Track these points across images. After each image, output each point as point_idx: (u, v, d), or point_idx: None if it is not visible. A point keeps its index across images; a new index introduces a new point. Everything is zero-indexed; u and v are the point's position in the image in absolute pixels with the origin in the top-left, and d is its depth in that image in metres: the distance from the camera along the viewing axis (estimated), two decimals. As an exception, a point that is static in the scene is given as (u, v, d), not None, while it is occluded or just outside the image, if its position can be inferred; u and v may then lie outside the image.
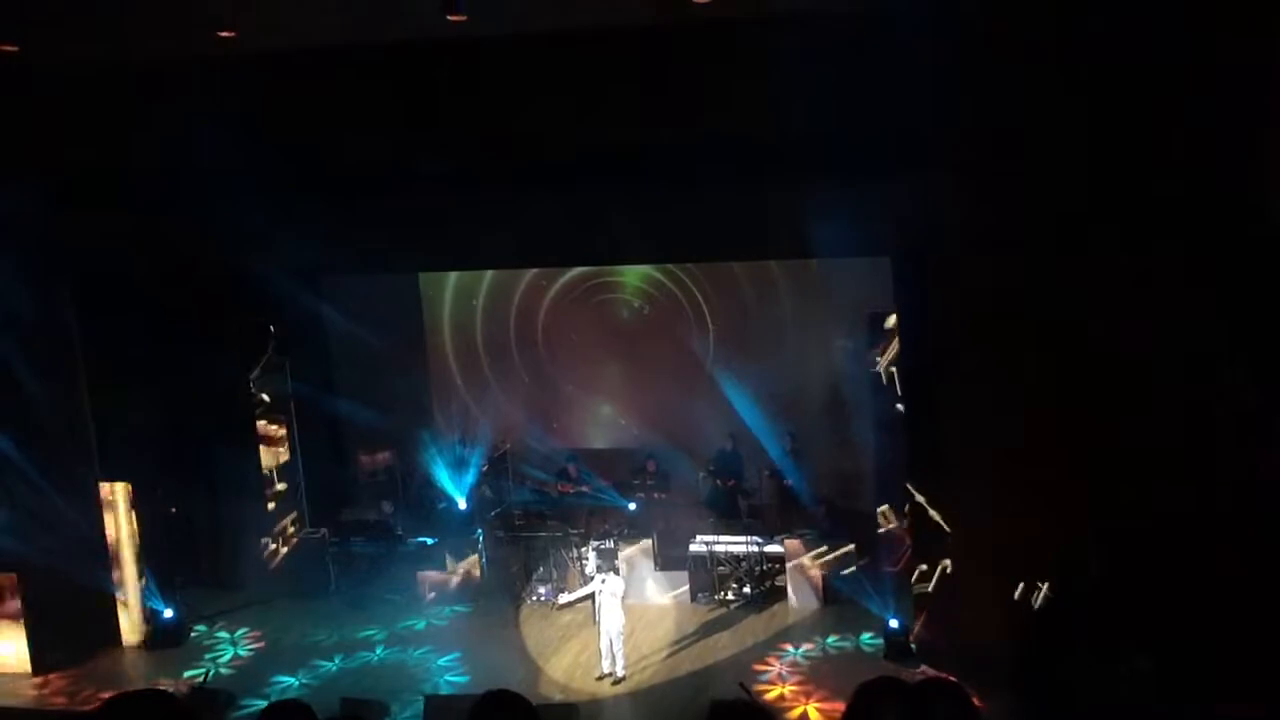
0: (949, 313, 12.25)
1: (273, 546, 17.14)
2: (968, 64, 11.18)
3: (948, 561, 13.05)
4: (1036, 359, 11.70)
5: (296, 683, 14.12)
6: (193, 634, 15.55)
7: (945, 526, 13.02)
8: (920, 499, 13.25)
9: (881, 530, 14.45)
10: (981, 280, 11.85)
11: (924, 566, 13.33)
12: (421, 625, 15.62)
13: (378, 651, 14.93)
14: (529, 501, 17.78)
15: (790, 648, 14.27)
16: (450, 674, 14.15)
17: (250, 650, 15.13)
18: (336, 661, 14.68)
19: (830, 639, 14.44)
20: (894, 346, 13.95)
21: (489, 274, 19.24)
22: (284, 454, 17.77)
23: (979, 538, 12.38)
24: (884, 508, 14.30)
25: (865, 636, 14.32)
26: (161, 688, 4.20)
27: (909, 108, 11.27)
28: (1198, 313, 10.94)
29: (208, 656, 14.96)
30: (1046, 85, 11.21)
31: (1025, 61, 11.20)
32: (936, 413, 12.67)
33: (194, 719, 3.83)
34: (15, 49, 11.88)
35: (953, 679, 5.41)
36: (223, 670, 14.51)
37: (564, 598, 14.19)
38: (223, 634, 15.59)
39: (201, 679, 13.51)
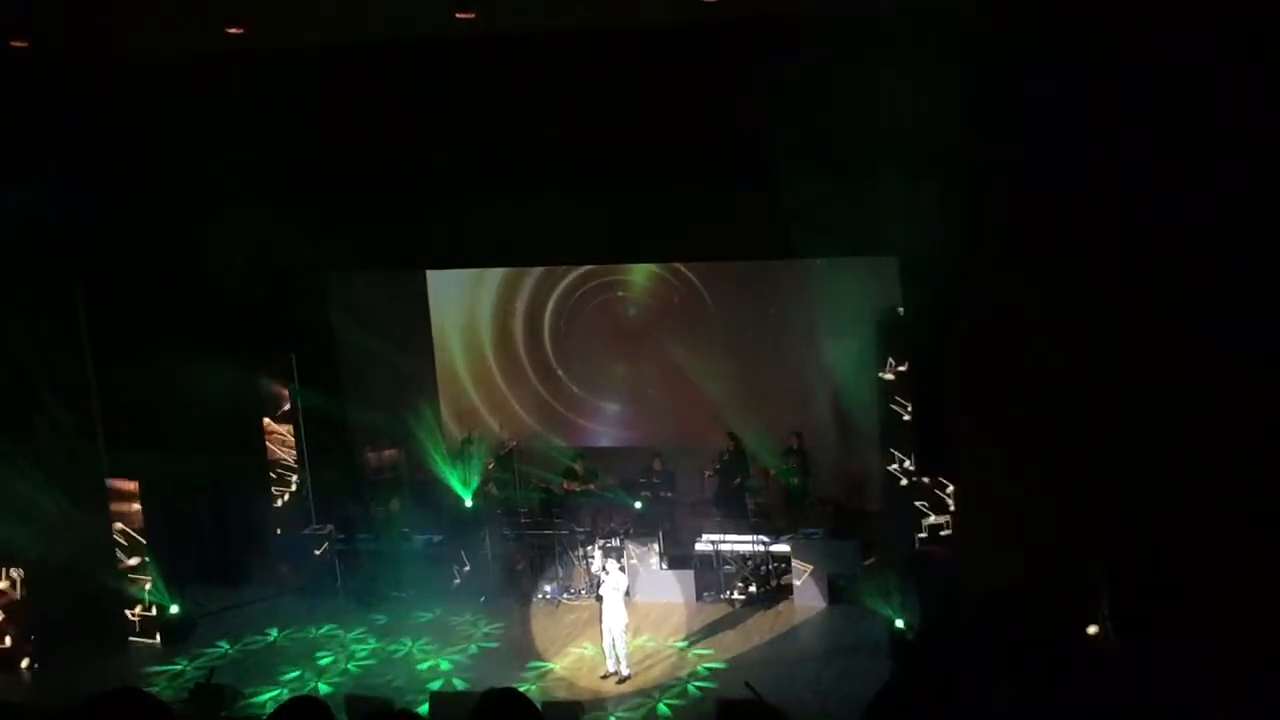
0: (957, 312, 12.22)
1: (278, 543, 17.12)
2: (987, 69, 11.15)
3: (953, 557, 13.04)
4: (1045, 359, 11.67)
5: (299, 678, 14.15)
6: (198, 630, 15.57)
7: (950, 525, 13.00)
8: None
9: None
10: (990, 281, 11.83)
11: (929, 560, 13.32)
12: (427, 619, 15.66)
13: (374, 647, 14.94)
14: (535, 500, 17.75)
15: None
16: (454, 674, 14.17)
17: (254, 646, 15.14)
18: (340, 659, 14.69)
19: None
20: (901, 346, 13.92)
21: (495, 272, 19.22)
22: (290, 450, 17.76)
23: (985, 536, 12.36)
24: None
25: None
26: (135, 686, 4.14)
27: (921, 110, 11.24)
28: (1207, 312, 10.92)
29: (211, 652, 14.99)
30: (1064, 94, 11.18)
31: (1047, 70, 11.16)
32: (943, 412, 12.64)
33: (170, 715, 3.76)
34: (25, 44, 11.89)
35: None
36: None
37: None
38: (227, 629, 15.61)
39: (204, 675, 13.50)
